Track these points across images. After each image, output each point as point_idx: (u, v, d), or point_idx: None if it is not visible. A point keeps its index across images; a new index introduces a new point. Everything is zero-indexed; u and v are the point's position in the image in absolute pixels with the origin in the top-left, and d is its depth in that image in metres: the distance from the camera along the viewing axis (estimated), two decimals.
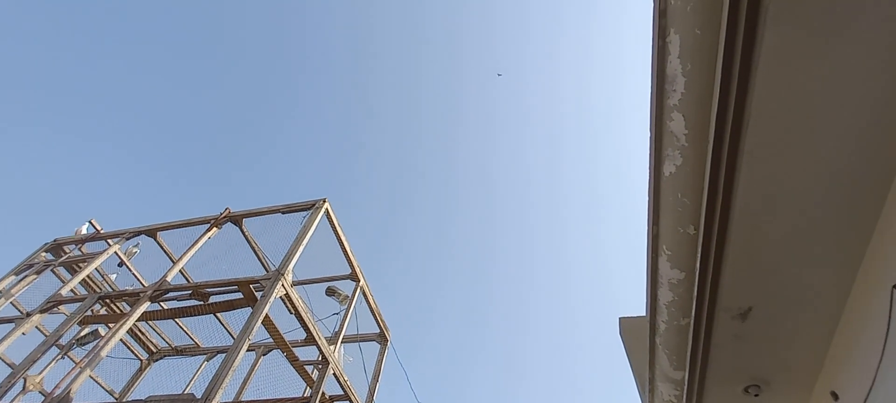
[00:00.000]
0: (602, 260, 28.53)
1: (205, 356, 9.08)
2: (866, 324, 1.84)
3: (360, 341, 8.29)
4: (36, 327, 7.51)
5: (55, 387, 5.61)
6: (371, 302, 8.29)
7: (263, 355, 8.29)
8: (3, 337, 6.84)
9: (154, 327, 9.32)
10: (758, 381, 2.28)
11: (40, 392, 6.29)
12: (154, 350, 9.38)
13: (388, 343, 8.50)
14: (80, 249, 8.32)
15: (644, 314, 2.45)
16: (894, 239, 1.67)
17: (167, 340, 9.53)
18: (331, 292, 8.21)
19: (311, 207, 6.51)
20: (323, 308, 7.95)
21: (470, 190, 26.99)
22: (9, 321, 7.55)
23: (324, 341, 6.35)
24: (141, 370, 9.17)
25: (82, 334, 8.13)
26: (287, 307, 6.06)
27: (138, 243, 8.18)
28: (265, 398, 7.06)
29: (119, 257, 8.04)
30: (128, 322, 5.57)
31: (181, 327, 9.23)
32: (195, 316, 6.18)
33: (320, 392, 6.10)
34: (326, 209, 6.61)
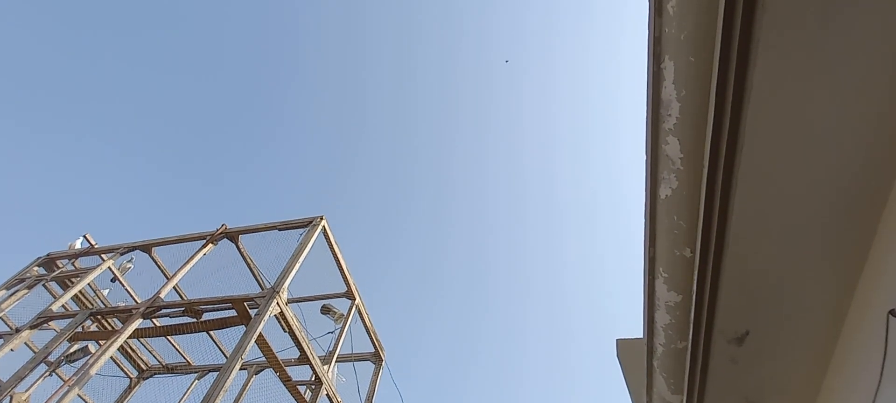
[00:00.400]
0: (599, 278, 28.47)
1: (196, 374, 8.94)
2: (863, 350, 1.84)
3: (355, 360, 8.19)
4: (25, 343, 7.39)
5: None
6: (366, 320, 8.22)
7: (256, 374, 8.17)
8: None
9: (145, 344, 9.18)
10: None
11: None
12: (144, 368, 9.23)
13: (383, 363, 8.40)
14: (73, 264, 8.24)
15: (641, 336, 2.44)
16: (890, 264, 1.68)
17: (158, 357, 9.39)
18: (326, 310, 8.14)
19: (308, 224, 6.50)
20: (317, 326, 7.88)
21: (465, 203, 27.04)
22: None
23: (318, 361, 6.27)
24: (130, 388, 9.01)
25: (72, 351, 8.00)
26: (281, 325, 6.00)
27: (132, 258, 8.12)
28: None
29: (112, 272, 7.97)
30: (119, 339, 5.49)
31: (173, 344, 9.11)
32: (188, 333, 6.10)
33: None
34: (324, 227, 6.60)
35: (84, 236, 8.25)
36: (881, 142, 1.55)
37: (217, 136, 23.73)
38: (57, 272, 8.10)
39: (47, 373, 7.81)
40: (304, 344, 5.95)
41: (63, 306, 7.25)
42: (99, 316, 6.71)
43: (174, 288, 6.91)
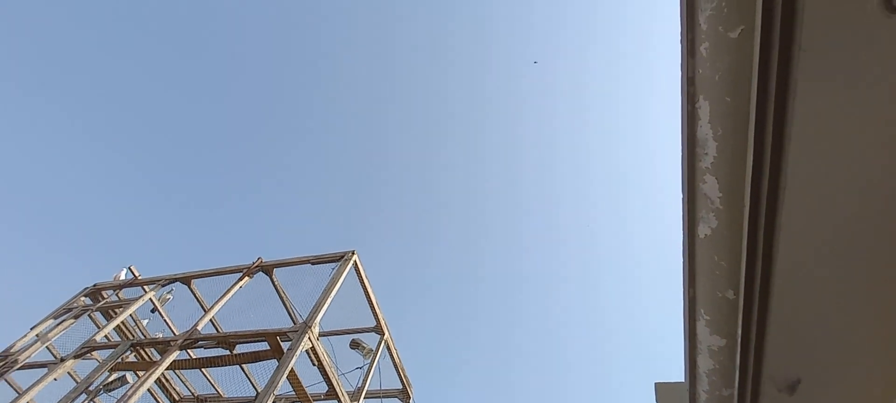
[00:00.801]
0: (637, 315, 27.42)
1: None
2: None
3: (383, 397, 8.09)
4: (68, 372, 7.67)
5: None
6: (395, 356, 8.15)
7: None
8: (35, 383, 7.00)
9: (179, 375, 9.36)
10: None
11: None
12: (178, 399, 9.38)
13: (411, 400, 8.26)
14: (117, 294, 8.59)
15: (682, 380, 2.34)
16: None
17: (191, 388, 9.53)
18: (355, 345, 8.14)
19: (339, 259, 6.60)
20: (346, 360, 7.86)
21: (499, 235, 26.84)
22: (42, 365, 7.74)
23: (346, 396, 6.23)
24: None
25: (110, 380, 8.24)
26: (311, 360, 6.03)
27: (172, 290, 8.40)
28: None
29: (153, 303, 8.25)
30: (157, 371, 5.63)
31: (206, 376, 9.24)
32: (221, 366, 6.20)
33: None
34: (354, 261, 6.68)
35: (129, 268, 8.62)
36: None
37: (251, 168, 24.70)
38: (101, 302, 8.45)
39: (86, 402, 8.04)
40: (333, 380, 5.94)
41: (106, 336, 7.52)
42: (139, 347, 6.92)
43: (210, 320, 7.08)
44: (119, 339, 7.76)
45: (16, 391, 7.62)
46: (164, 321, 8.63)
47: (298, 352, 5.34)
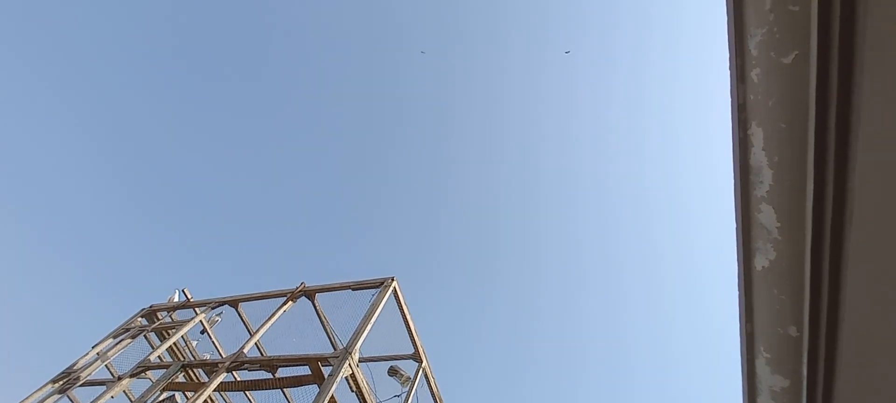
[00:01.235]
0: (696, 354, 25.91)
1: None
2: None
3: None
4: (123, 391, 8.05)
5: None
6: (433, 385, 8.06)
7: None
8: (94, 401, 7.37)
9: (224, 396, 9.62)
10: None
11: None
12: None
13: None
14: (170, 316, 9.01)
15: None
16: None
17: None
18: (393, 372, 8.11)
19: (380, 285, 6.67)
20: (383, 386, 7.83)
21: (554, 272, 26.32)
22: (101, 383, 8.16)
23: None
24: None
25: (161, 399, 8.56)
26: (350, 386, 6.06)
27: (221, 312, 8.73)
28: None
29: (203, 325, 8.59)
30: (205, 392, 5.82)
31: (248, 398, 9.45)
32: (264, 389, 6.33)
33: None
34: (394, 288, 6.73)
35: (182, 290, 9.05)
36: None
37: (302, 196, 25.63)
38: (156, 323, 8.89)
39: None
40: None
41: (159, 356, 7.87)
42: (188, 368, 7.19)
43: (255, 343, 7.28)
44: (171, 360, 8.10)
45: None
46: (213, 342, 8.96)
47: (339, 379, 5.38)
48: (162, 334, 8.60)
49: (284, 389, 8.44)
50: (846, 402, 1.71)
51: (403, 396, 7.51)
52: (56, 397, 7.61)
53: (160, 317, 9.06)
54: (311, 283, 7.77)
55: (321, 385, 5.34)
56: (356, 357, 5.74)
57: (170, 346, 8.06)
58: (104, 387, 7.68)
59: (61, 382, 7.66)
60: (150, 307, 9.15)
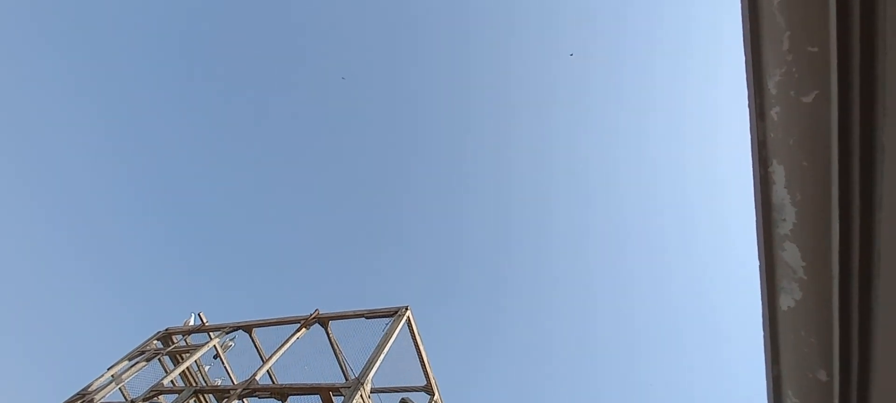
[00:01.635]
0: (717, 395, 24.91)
1: None
2: None
3: None
4: None
5: None
6: None
7: None
8: None
9: None
10: None
11: None
12: None
13: None
14: (185, 340, 9.06)
15: None
16: None
17: None
18: None
19: (393, 314, 6.63)
20: None
21: (568, 305, 25.87)
22: None
23: None
24: None
25: None
26: None
27: (235, 337, 8.75)
28: None
29: (216, 350, 8.61)
30: None
31: None
32: None
33: None
34: (408, 318, 6.68)
35: (198, 314, 9.13)
36: None
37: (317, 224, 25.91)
38: (171, 347, 8.94)
39: None
40: None
41: (172, 381, 7.88)
42: (200, 394, 7.17)
43: (267, 371, 7.25)
44: (183, 384, 8.10)
45: None
46: (225, 368, 8.95)
47: None
48: (176, 358, 8.63)
49: None
50: None
51: None
52: None
53: (175, 340, 9.11)
54: (325, 310, 7.76)
55: None
56: (368, 387, 5.67)
57: (183, 371, 8.07)
58: None
59: None
60: (166, 330, 9.22)
